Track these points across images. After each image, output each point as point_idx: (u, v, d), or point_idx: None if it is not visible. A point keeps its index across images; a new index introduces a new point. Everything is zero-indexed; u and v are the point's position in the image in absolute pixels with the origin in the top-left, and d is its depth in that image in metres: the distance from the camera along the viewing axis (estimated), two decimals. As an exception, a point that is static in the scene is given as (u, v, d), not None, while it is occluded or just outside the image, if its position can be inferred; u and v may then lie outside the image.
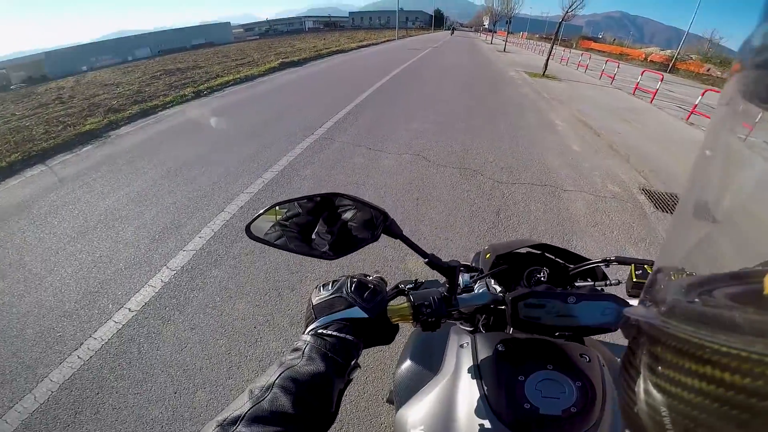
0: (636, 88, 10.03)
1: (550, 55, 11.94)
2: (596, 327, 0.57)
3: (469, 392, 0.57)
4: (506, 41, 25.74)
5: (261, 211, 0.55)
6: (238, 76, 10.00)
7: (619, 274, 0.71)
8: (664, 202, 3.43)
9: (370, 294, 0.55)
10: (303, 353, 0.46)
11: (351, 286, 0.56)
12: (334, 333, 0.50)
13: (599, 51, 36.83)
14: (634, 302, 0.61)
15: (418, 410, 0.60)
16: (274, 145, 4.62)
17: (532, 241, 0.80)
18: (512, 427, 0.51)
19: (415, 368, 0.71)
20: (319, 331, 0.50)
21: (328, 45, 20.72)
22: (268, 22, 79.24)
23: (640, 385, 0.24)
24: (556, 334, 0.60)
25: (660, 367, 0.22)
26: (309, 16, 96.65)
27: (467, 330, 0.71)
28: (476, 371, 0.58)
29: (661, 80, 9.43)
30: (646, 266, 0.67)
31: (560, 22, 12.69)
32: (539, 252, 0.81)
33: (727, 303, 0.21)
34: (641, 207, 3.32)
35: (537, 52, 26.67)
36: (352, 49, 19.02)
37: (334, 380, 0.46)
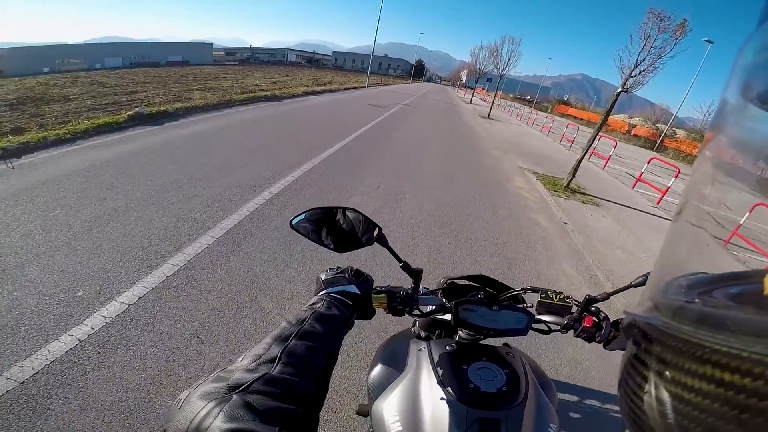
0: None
1: (587, 150, 7.02)
2: (512, 330, 0.80)
3: (428, 380, 0.75)
4: (492, 106, 21.96)
5: (304, 212, 0.80)
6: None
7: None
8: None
9: (363, 279, 0.80)
10: (323, 305, 0.66)
11: (351, 272, 0.80)
12: (340, 296, 0.72)
13: (576, 118, 34.88)
14: (538, 316, 0.87)
15: (391, 401, 0.75)
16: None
17: (475, 272, 1.07)
18: (460, 401, 0.69)
19: (384, 370, 0.88)
20: (331, 294, 0.72)
21: (273, 86, 16.04)
22: (251, 49, 77.36)
23: (640, 385, 0.24)
24: (484, 332, 0.82)
25: (659, 367, 0.22)
26: (293, 50, 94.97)
27: (423, 341, 0.91)
28: (432, 364, 0.79)
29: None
30: (548, 291, 0.89)
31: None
32: (480, 285, 1.07)
33: (727, 303, 0.21)
34: None
35: (525, 121, 23.34)
36: (294, 96, 14.06)
37: (343, 324, 0.66)
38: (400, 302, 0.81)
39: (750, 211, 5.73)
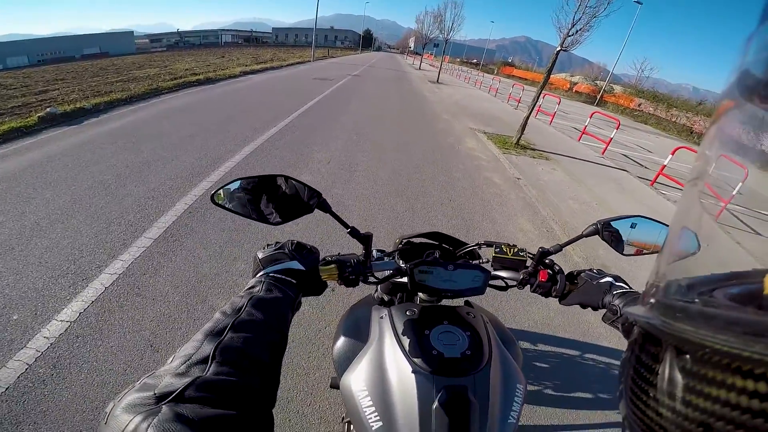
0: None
1: (533, 108, 7.16)
2: (470, 290, 0.78)
3: (392, 350, 0.72)
4: (440, 70, 21.78)
5: (224, 184, 0.71)
6: None
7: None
8: None
9: (307, 252, 0.74)
10: (261, 288, 0.60)
11: (292, 246, 0.73)
12: (280, 276, 0.65)
13: (521, 78, 35.75)
14: (495, 272, 0.86)
15: (357, 375, 0.72)
16: None
17: (430, 230, 1.04)
18: (426, 370, 0.66)
19: (348, 342, 0.85)
20: (270, 274, 0.65)
21: (206, 69, 14.76)
22: (179, 33, 70.57)
23: (640, 385, 0.24)
24: (442, 294, 0.79)
25: (659, 368, 0.22)
26: (227, 30, 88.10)
27: (384, 307, 0.85)
28: (394, 333, 0.74)
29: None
30: (502, 246, 0.87)
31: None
32: (436, 242, 1.04)
33: (727, 303, 0.21)
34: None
35: (473, 83, 23.48)
36: (231, 77, 12.90)
37: (288, 306, 0.60)
38: (351, 271, 0.77)
39: (672, 153, 6.24)
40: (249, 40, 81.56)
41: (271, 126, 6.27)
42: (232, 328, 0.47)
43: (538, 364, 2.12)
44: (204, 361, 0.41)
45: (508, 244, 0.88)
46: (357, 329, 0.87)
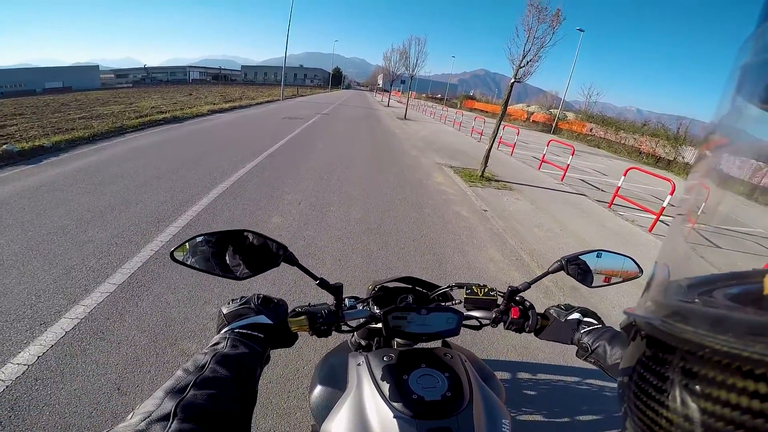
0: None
1: (493, 141, 7.46)
2: (445, 332, 0.78)
3: (371, 397, 0.71)
4: (407, 107, 22.75)
5: (184, 241, 0.70)
6: None
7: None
8: None
9: (274, 306, 0.74)
10: (226, 344, 0.58)
11: (258, 300, 0.73)
12: (247, 331, 0.64)
13: (483, 111, 37.84)
14: (467, 312, 0.88)
15: (338, 423, 0.69)
16: None
17: (402, 275, 1.07)
18: (408, 415, 0.65)
19: (326, 390, 0.83)
20: (235, 330, 0.64)
21: (173, 107, 14.65)
22: (145, 68, 69.71)
23: (640, 385, 0.24)
24: (417, 338, 0.79)
25: (659, 368, 0.22)
26: (195, 66, 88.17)
27: (361, 353, 0.84)
28: (373, 379, 0.73)
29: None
30: (473, 287, 0.90)
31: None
32: (410, 286, 1.06)
33: (727, 303, 0.21)
34: None
35: (438, 118, 24.63)
36: (199, 116, 12.82)
37: (255, 361, 0.59)
38: (323, 321, 0.77)
39: (624, 174, 6.74)
40: (217, 77, 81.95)
41: (240, 167, 6.24)
42: (194, 386, 0.46)
43: (522, 392, 2.14)
44: (165, 418, 0.40)
45: (479, 285, 0.91)
46: (333, 377, 0.86)
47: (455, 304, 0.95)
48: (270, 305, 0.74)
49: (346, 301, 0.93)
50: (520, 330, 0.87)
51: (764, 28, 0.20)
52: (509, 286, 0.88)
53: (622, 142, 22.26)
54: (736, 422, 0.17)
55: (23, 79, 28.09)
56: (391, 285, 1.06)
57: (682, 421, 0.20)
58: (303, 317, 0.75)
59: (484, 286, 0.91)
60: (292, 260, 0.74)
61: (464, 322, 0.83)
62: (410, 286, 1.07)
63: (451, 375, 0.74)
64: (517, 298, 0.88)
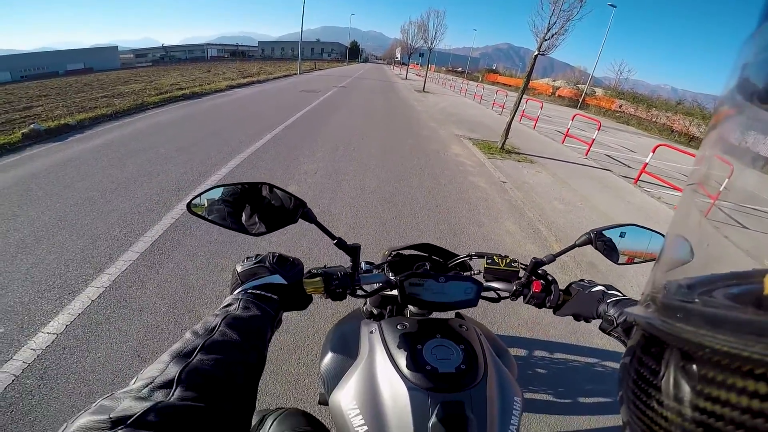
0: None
1: (515, 113, 7.25)
2: (462, 302, 0.75)
3: (383, 366, 0.69)
4: (425, 80, 22.10)
5: (202, 190, 0.68)
6: None
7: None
8: None
9: (290, 266, 0.71)
10: (238, 305, 0.57)
11: (273, 259, 0.70)
12: (260, 292, 0.62)
13: (505, 85, 36.39)
14: (487, 283, 0.84)
15: (347, 392, 0.69)
16: None
17: (420, 242, 1.01)
18: (421, 386, 0.63)
19: (336, 358, 0.81)
20: (249, 290, 0.62)
21: (192, 83, 14.75)
22: (164, 48, 70.32)
23: (640, 385, 0.24)
24: (434, 307, 0.77)
25: (659, 368, 0.22)
26: (213, 44, 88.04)
27: (374, 321, 0.82)
28: (386, 348, 0.72)
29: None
30: (494, 257, 0.85)
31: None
32: (426, 254, 1.01)
33: (727, 303, 0.21)
34: None
35: (458, 90, 23.85)
36: (218, 91, 12.92)
37: (267, 324, 0.57)
38: (338, 284, 0.73)
39: (653, 151, 6.42)
40: (235, 54, 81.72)
41: (257, 139, 6.28)
42: (202, 350, 0.44)
43: (532, 370, 2.13)
44: (168, 384, 0.38)
45: (500, 255, 0.86)
46: (345, 345, 0.84)
47: (474, 274, 0.91)
48: (285, 265, 0.71)
49: (363, 264, 0.90)
50: (540, 305, 0.82)
51: (764, 28, 0.20)
52: (533, 258, 0.82)
53: (654, 119, 21.22)
54: (736, 422, 0.17)
55: (45, 62, 28.63)
56: (407, 252, 1.02)
57: (681, 420, 0.20)
58: (318, 278, 0.72)
59: (506, 256, 0.86)
60: (310, 217, 0.71)
61: (482, 294, 0.79)
62: (427, 254, 1.02)
63: (466, 347, 0.72)
64: (539, 271, 0.83)
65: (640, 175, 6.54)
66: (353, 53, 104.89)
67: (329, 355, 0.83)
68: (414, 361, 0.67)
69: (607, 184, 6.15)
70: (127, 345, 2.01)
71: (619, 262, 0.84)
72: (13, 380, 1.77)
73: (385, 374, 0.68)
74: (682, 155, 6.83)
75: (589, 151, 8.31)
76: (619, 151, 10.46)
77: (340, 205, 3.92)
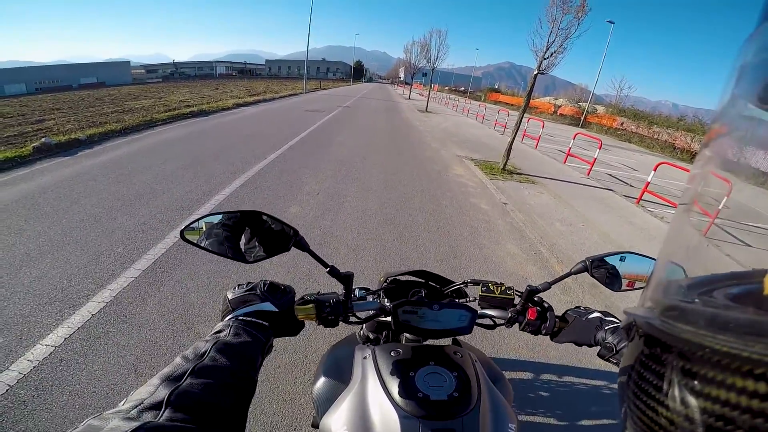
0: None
1: (516, 132, 7.35)
2: (456, 329, 0.76)
3: (375, 393, 0.69)
4: (428, 99, 22.47)
5: (195, 218, 0.70)
6: None
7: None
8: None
9: (281, 293, 0.72)
10: (229, 332, 0.57)
11: (264, 286, 0.71)
12: (251, 318, 0.63)
13: (507, 104, 36.76)
14: (482, 311, 0.84)
15: (338, 417, 0.68)
16: None
17: (416, 269, 1.02)
18: (412, 414, 0.63)
19: (329, 382, 0.83)
20: (240, 317, 0.63)
21: (200, 101, 15.09)
22: (174, 64, 72.13)
23: (639, 385, 0.24)
24: (428, 334, 0.76)
25: (658, 368, 0.22)
26: (222, 61, 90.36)
27: (368, 346, 0.83)
28: (378, 374, 0.72)
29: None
30: (489, 284, 0.85)
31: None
32: (423, 280, 1.02)
33: (727, 303, 0.21)
34: None
35: (461, 111, 24.19)
36: (225, 109, 13.21)
37: (257, 350, 0.58)
38: (330, 311, 0.74)
39: (654, 169, 6.42)
40: (243, 72, 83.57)
41: (261, 159, 6.37)
42: (192, 374, 0.45)
43: (534, 393, 2.09)
44: (157, 406, 0.39)
45: (495, 282, 0.87)
46: (338, 369, 0.85)
47: (469, 301, 0.92)
48: (277, 292, 0.72)
49: (357, 291, 0.92)
50: (535, 332, 0.83)
51: (764, 28, 0.20)
52: (528, 286, 0.83)
53: (655, 136, 21.20)
54: (736, 422, 0.17)
55: (60, 76, 29.24)
56: (403, 278, 1.03)
57: (681, 420, 0.20)
58: (311, 305, 0.73)
59: (501, 284, 0.87)
60: (303, 245, 0.72)
61: (477, 321, 0.80)
62: (423, 281, 1.04)
63: (459, 374, 0.72)
64: (535, 298, 0.84)
65: (642, 195, 6.53)
66: (357, 73, 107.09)
67: (322, 379, 0.84)
68: (406, 389, 0.68)
69: (609, 204, 6.15)
70: (124, 360, 2.02)
71: (621, 288, 0.84)
72: (7, 390, 1.79)
73: (376, 401, 0.68)
74: (684, 173, 6.82)
75: (590, 170, 8.35)
76: (620, 169, 10.48)
77: (341, 226, 3.94)
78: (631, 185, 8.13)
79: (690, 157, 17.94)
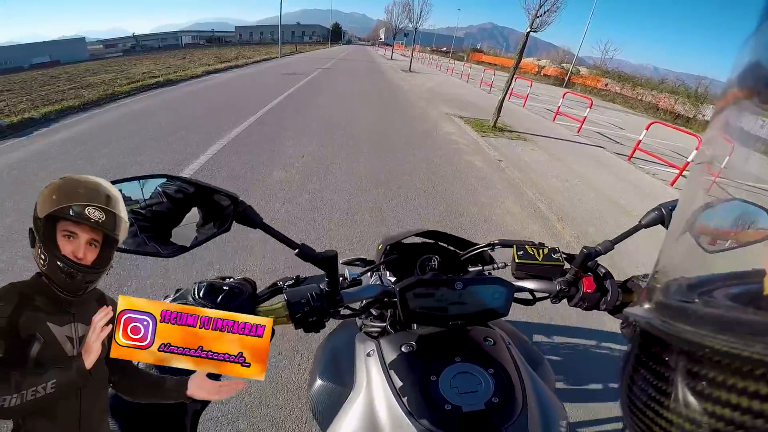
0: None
1: (507, 90, 7.16)
2: (488, 312, 0.58)
3: (386, 404, 0.51)
4: (411, 59, 21.60)
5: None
6: None
7: (506, 256, 0.68)
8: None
9: (225, 297, 0.52)
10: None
11: (198, 292, 0.52)
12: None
13: (491, 64, 36.00)
14: (519, 283, 0.64)
15: None
16: None
17: (422, 229, 0.78)
18: None
19: (328, 387, 0.65)
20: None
21: (166, 71, 14.02)
22: (134, 37, 67.00)
23: (640, 385, 0.24)
24: (450, 323, 0.58)
25: (659, 368, 0.22)
26: (188, 31, 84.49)
27: (372, 335, 0.66)
28: (387, 378, 0.54)
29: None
30: (527, 246, 0.66)
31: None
32: (432, 241, 0.81)
33: (727, 303, 0.21)
34: None
35: (444, 70, 23.43)
36: (193, 78, 12.21)
37: (179, 418, 0.51)
38: (311, 311, 0.53)
39: (647, 128, 6.34)
40: (211, 40, 78.49)
41: (238, 124, 5.91)
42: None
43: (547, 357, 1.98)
44: None
45: (532, 243, 0.67)
46: (338, 369, 0.68)
47: (498, 268, 0.73)
48: (218, 297, 0.52)
49: (347, 272, 0.69)
50: (592, 307, 0.63)
51: (764, 28, 0.19)
52: (583, 248, 0.62)
53: (639, 98, 21.49)
54: (736, 422, 0.17)
55: (9, 57, 27.05)
56: (407, 242, 0.80)
57: (681, 421, 0.20)
58: (279, 305, 0.53)
59: (541, 244, 0.67)
60: (250, 218, 0.49)
61: (515, 295, 0.61)
62: (433, 241, 0.82)
63: (497, 371, 0.54)
64: (589, 264, 0.63)
65: (633, 152, 6.45)
66: (335, 35, 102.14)
67: (319, 383, 0.67)
68: (427, 399, 0.50)
69: (601, 161, 6.05)
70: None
71: (712, 249, 0.63)
72: None
73: (389, 416, 0.51)
74: (670, 132, 6.76)
75: (580, 128, 8.19)
76: (608, 128, 10.41)
77: (331, 190, 3.67)
78: (619, 143, 8.05)
79: (673, 117, 18.20)
